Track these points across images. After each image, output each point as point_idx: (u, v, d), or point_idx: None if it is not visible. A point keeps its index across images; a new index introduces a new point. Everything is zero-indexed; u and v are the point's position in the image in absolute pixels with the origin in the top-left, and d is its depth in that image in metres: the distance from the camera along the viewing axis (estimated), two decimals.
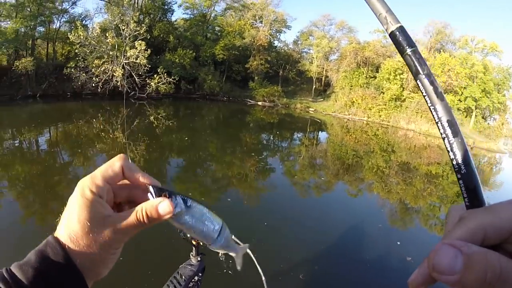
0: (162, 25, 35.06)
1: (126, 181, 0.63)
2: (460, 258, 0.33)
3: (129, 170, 0.62)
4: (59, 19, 30.56)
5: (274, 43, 41.93)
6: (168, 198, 0.60)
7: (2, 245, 5.32)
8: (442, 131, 0.44)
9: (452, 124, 0.43)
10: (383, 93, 33.40)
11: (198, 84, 34.38)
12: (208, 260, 2.97)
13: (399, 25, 0.48)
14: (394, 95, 32.38)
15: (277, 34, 42.00)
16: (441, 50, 35.21)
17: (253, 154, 14.68)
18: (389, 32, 0.48)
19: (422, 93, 0.46)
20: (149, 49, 28.13)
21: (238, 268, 0.82)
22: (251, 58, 37.27)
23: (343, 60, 38.18)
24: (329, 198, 10.22)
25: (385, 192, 11.10)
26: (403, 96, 32.64)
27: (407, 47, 0.47)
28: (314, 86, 39.70)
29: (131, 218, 0.58)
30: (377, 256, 6.41)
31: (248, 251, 2.76)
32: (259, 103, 35.15)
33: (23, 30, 27.55)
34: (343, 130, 26.47)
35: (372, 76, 36.97)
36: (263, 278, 2.99)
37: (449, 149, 0.44)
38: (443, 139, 0.44)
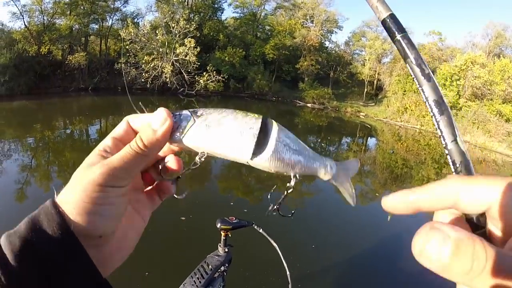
0: (212, 23, 35.12)
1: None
2: (449, 245, 0.32)
3: (135, 121, 0.56)
4: (112, 17, 31.96)
5: (325, 44, 40.79)
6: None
7: None
8: (430, 109, 0.47)
9: (438, 103, 0.46)
10: None
11: (247, 83, 33.97)
12: (234, 252, 3.07)
13: (390, 12, 0.50)
14: (450, 102, 29.50)
15: (328, 34, 40.90)
16: (501, 55, 32.70)
17: None
18: (381, 20, 0.51)
19: (411, 75, 0.48)
20: (198, 47, 28.14)
21: (352, 203, 0.56)
22: (301, 59, 36.29)
23: (397, 63, 36.16)
24: (375, 209, 9.06)
25: None
26: (459, 104, 30.06)
27: (397, 32, 0.49)
28: (365, 90, 38.11)
29: (125, 150, 0.51)
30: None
31: (275, 245, 2.84)
32: (309, 105, 34.04)
33: (77, 27, 29.04)
34: (394, 138, 25.08)
35: None
36: (288, 272, 2.90)
37: (436, 126, 0.46)
38: (432, 117, 0.47)
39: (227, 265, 2.94)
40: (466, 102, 29.79)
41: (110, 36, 31.68)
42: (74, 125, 15.99)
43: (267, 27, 39.37)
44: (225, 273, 2.93)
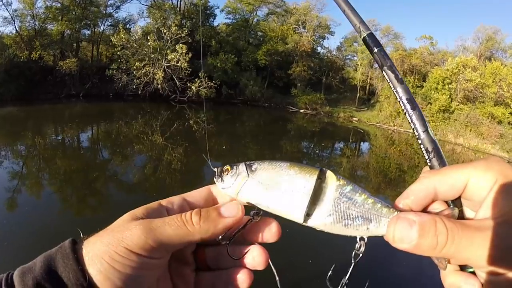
0: (204, 29, 34.85)
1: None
2: (415, 228, 0.39)
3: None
4: (104, 22, 31.78)
5: (317, 49, 40.96)
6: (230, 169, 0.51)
7: (38, 234, 5.63)
8: (403, 107, 0.55)
9: (410, 100, 0.55)
10: (431, 103, 30.94)
11: (239, 89, 33.81)
12: None
13: (369, 32, 0.62)
14: (442, 106, 29.94)
15: (320, 40, 41.08)
16: (492, 58, 33.03)
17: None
18: (362, 38, 0.63)
19: (387, 80, 0.58)
20: (190, 53, 27.95)
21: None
22: (293, 64, 36.23)
23: None
24: None
25: None
26: (452, 107, 30.16)
27: (375, 47, 0.60)
28: (358, 95, 38.05)
29: (173, 218, 0.46)
30: None
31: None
32: (301, 110, 33.99)
33: (68, 32, 28.84)
34: (387, 142, 25.21)
35: (419, 85, 34.58)
36: (277, 278, 2.43)
37: (409, 120, 0.54)
38: (405, 113, 0.55)
39: None
40: (458, 105, 29.94)
41: (102, 42, 31.57)
42: (65, 132, 15.89)
43: (259, 33, 39.31)
44: None
